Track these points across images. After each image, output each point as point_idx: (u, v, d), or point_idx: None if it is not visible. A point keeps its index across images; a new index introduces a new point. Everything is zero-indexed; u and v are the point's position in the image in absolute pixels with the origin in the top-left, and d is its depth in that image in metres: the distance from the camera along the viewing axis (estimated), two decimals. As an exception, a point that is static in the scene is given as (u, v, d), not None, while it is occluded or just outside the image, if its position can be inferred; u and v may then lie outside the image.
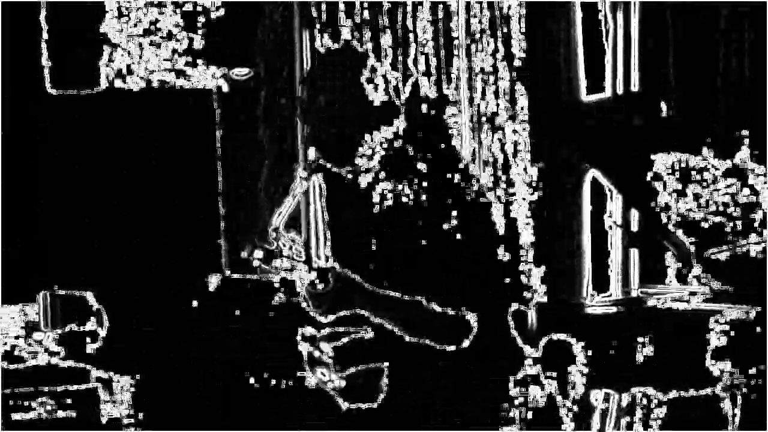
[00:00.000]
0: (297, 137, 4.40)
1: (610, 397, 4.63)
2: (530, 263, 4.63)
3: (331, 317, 3.39)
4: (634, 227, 4.71)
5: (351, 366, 3.34)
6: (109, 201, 4.53)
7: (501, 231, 4.64)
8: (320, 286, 3.29)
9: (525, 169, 4.66)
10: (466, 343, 3.22)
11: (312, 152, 3.46)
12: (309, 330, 3.63)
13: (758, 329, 4.50)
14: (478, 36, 4.65)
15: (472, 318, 3.21)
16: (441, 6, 4.64)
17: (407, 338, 3.25)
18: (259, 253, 3.33)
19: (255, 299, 4.32)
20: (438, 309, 3.20)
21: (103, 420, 4.53)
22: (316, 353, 3.33)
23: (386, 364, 3.30)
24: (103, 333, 4.51)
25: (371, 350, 3.33)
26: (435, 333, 3.23)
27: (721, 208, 4.53)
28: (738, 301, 4.52)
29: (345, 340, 3.39)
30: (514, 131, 4.66)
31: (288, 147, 4.61)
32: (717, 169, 4.54)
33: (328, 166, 3.42)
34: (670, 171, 4.58)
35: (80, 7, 4.49)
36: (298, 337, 3.51)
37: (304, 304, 3.39)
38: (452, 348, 3.21)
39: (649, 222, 4.65)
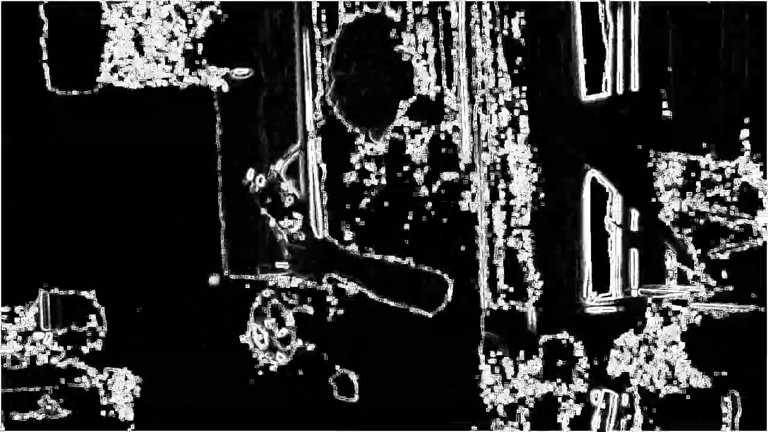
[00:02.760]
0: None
1: (610, 397, 4.63)
2: (530, 262, 4.64)
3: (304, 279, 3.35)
4: (634, 227, 4.71)
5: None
6: (108, 201, 4.53)
7: (501, 233, 4.64)
8: (300, 237, 3.23)
9: (525, 166, 4.66)
10: (442, 306, 3.18)
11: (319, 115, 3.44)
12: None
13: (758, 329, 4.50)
14: (477, 35, 4.65)
15: (447, 278, 3.18)
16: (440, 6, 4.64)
17: (389, 303, 3.21)
18: (261, 181, 3.26)
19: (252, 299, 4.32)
20: (424, 268, 3.16)
21: (103, 420, 4.53)
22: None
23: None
24: (102, 333, 4.51)
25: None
26: (415, 297, 3.19)
27: (721, 208, 4.53)
28: (738, 301, 4.52)
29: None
30: (514, 128, 4.66)
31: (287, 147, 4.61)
32: (717, 168, 4.54)
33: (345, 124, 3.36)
34: (669, 171, 4.58)
35: (80, 6, 4.49)
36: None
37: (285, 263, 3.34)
38: (430, 313, 3.17)
39: (648, 222, 4.65)
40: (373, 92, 3.26)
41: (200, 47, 4.58)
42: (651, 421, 4.59)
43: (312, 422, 3.85)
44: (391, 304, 3.18)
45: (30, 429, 4.47)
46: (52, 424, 4.49)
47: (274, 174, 3.29)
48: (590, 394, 4.61)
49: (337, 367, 3.36)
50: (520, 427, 4.58)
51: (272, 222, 3.27)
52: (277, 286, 3.46)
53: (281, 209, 3.23)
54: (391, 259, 3.18)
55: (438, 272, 3.15)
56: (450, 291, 3.16)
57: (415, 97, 3.27)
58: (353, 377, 3.28)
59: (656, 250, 4.68)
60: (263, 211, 3.26)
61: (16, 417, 4.46)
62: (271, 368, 3.49)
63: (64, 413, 4.49)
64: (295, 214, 3.24)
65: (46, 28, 4.46)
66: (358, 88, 3.26)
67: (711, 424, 4.53)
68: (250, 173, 3.26)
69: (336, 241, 3.26)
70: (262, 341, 3.43)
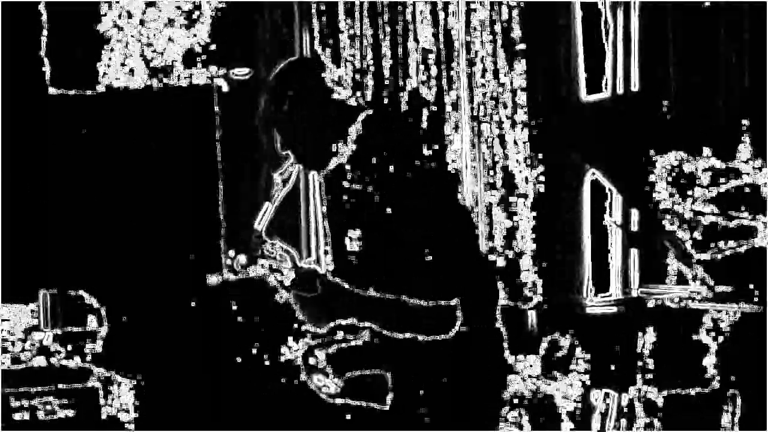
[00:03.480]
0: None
1: (610, 397, 4.62)
2: (529, 263, 4.64)
3: (324, 327, 3.37)
4: (634, 227, 4.71)
5: (348, 371, 3.33)
6: (108, 201, 4.53)
7: (501, 235, 4.64)
8: (306, 293, 3.26)
9: (525, 166, 4.66)
10: (452, 332, 3.19)
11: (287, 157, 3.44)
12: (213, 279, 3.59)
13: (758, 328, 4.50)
14: (477, 35, 4.65)
15: (456, 304, 3.18)
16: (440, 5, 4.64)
17: (397, 336, 3.22)
18: (242, 259, 3.31)
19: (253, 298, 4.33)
20: (423, 303, 3.17)
21: (103, 420, 4.53)
22: (311, 360, 3.31)
23: (387, 372, 3.28)
24: (102, 332, 4.51)
25: (368, 354, 3.31)
26: (422, 327, 3.20)
27: (721, 208, 4.53)
28: (739, 301, 4.52)
29: (337, 346, 3.37)
30: (513, 127, 4.66)
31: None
32: (717, 168, 4.54)
33: (299, 168, 3.41)
34: (669, 171, 4.58)
35: (80, 6, 4.49)
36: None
37: (298, 314, 3.37)
38: (441, 337, 3.18)
39: (648, 222, 4.65)
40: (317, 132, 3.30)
41: (200, 47, 4.58)
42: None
43: (312, 422, 3.85)
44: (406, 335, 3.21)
45: (30, 429, 4.47)
46: (52, 424, 4.49)
47: (256, 239, 3.34)
48: (590, 394, 4.61)
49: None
50: (520, 427, 4.58)
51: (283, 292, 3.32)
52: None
53: (277, 265, 3.26)
54: (391, 296, 3.20)
55: (441, 303, 3.17)
56: (458, 313, 3.18)
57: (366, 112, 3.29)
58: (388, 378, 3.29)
59: (656, 250, 4.68)
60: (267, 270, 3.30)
61: (16, 417, 4.47)
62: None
63: (64, 414, 4.49)
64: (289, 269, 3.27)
65: (46, 28, 4.46)
66: (297, 136, 3.31)
67: (711, 424, 4.53)
68: (230, 254, 3.34)
69: (339, 281, 3.28)
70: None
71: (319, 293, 3.24)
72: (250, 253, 3.36)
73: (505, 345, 3.34)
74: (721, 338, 4.52)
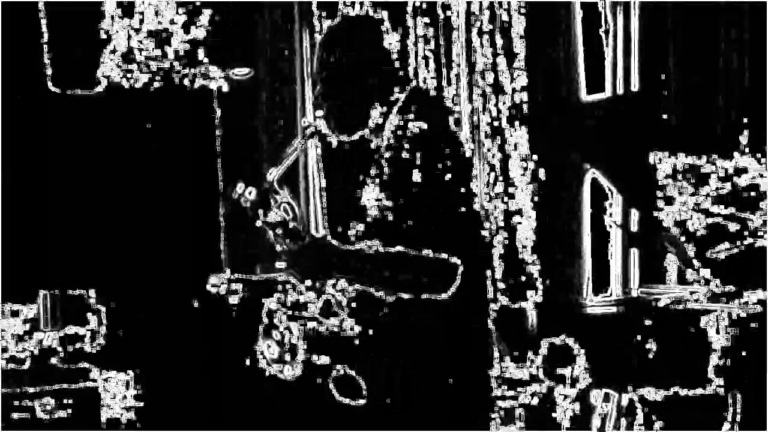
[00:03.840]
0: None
1: (610, 397, 4.62)
2: (530, 263, 4.64)
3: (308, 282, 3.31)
4: (634, 227, 4.71)
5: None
6: (108, 201, 4.53)
7: (501, 235, 4.65)
8: (292, 244, 3.19)
9: (524, 169, 4.66)
10: (452, 289, 3.15)
11: (312, 116, 3.40)
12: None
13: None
14: (477, 35, 4.65)
15: (457, 261, 3.15)
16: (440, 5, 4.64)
17: (390, 298, 3.19)
18: (252, 193, 3.20)
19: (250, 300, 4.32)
20: (429, 253, 3.13)
21: (103, 420, 4.53)
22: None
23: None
24: (103, 333, 4.51)
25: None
26: (421, 284, 3.16)
27: (721, 208, 4.53)
28: (739, 301, 4.52)
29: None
30: (513, 127, 4.66)
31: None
32: (717, 168, 4.54)
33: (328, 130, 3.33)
34: (669, 171, 4.58)
35: (80, 6, 4.49)
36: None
37: (282, 264, 3.30)
38: (442, 296, 3.14)
39: (648, 222, 4.65)
40: (358, 93, 3.23)
41: (200, 47, 4.58)
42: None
43: (312, 422, 3.85)
44: (402, 296, 3.15)
45: (30, 429, 4.48)
46: (52, 424, 4.49)
47: (268, 184, 3.26)
48: (590, 394, 4.61)
49: (339, 368, 3.34)
50: (520, 427, 4.58)
51: (268, 232, 3.24)
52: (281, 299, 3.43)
53: (277, 222, 3.20)
54: (392, 250, 3.15)
55: (445, 256, 3.12)
56: (460, 272, 3.14)
57: (406, 90, 3.25)
58: (358, 380, 3.27)
59: (656, 251, 4.68)
60: (258, 223, 3.23)
61: (16, 417, 4.47)
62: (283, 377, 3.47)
63: (64, 413, 4.49)
64: (290, 222, 3.21)
65: (46, 28, 4.47)
66: (341, 90, 3.23)
67: (711, 424, 4.53)
68: (239, 186, 3.23)
69: (332, 240, 3.23)
70: (273, 354, 3.40)
71: (307, 244, 3.17)
72: (261, 190, 3.25)
73: (495, 349, 3.33)
74: (721, 338, 4.52)
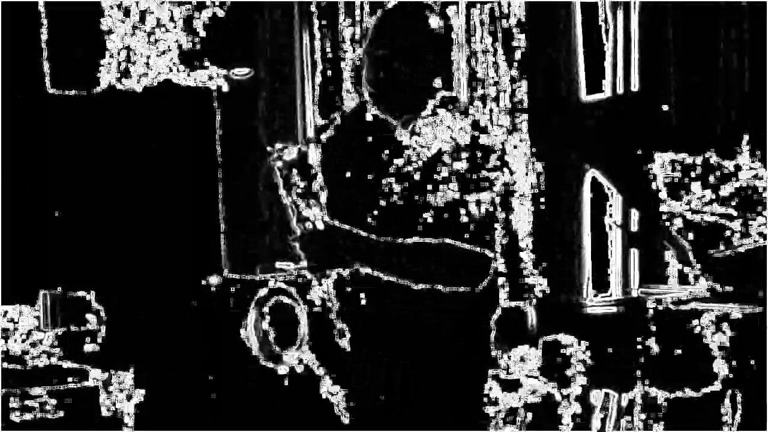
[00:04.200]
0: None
1: (610, 397, 4.62)
2: (530, 263, 4.64)
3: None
4: (634, 227, 4.70)
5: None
6: (108, 201, 4.53)
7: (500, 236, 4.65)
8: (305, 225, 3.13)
9: (525, 168, 4.66)
10: (484, 283, 3.11)
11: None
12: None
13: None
14: (477, 35, 4.65)
15: (491, 255, 3.10)
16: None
17: (417, 286, 3.12)
18: (293, 151, 3.15)
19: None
20: (460, 245, 3.07)
21: (103, 419, 4.53)
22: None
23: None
24: (102, 333, 4.51)
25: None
26: (449, 277, 3.10)
27: (721, 209, 4.53)
28: (739, 301, 4.52)
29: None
30: (513, 128, 4.66)
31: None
32: (717, 169, 4.53)
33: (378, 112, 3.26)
34: (669, 171, 4.58)
35: (80, 6, 4.49)
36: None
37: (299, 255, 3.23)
38: (469, 289, 3.10)
39: (648, 222, 4.64)
40: (408, 76, 3.20)
41: (200, 47, 4.58)
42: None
43: (311, 422, 3.85)
44: (423, 287, 3.11)
45: (30, 429, 4.47)
46: (52, 424, 4.49)
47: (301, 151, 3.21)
48: (590, 394, 4.61)
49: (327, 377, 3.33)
50: (520, 427, 4.58)
51: (288, 200, 3.17)
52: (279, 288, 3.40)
53: (304, 188, 3.14)
54: (427, 241, 3.10)
55: (478, 249, 3.09)
56: (493, 265, 3.12)
57: (446, 94, 3.23)
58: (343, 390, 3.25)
59: (656, 250, 4.68)
60: (281, 189, 3.18)
61: (15, 416, 4.46)
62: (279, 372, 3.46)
63: (63, 414, 4.49)
64: (313, 202, 3.16)
65: (46, 28, 4.46)
66: (393, 69, 3.18)
67: (711, 424, 4.53)
68: (277, 144, 3.18)
69: (355, 229, 3.18)
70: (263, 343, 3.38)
71: (317, 230, 3.12)
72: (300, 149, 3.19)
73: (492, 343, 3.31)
74: (721, 338, 4.51)
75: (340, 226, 3.12)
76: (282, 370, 3.38)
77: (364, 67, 3.21)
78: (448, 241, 3.06)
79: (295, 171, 3.13)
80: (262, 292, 3.36)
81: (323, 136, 3.35)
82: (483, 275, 3.08)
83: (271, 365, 3.34)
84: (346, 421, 3.27)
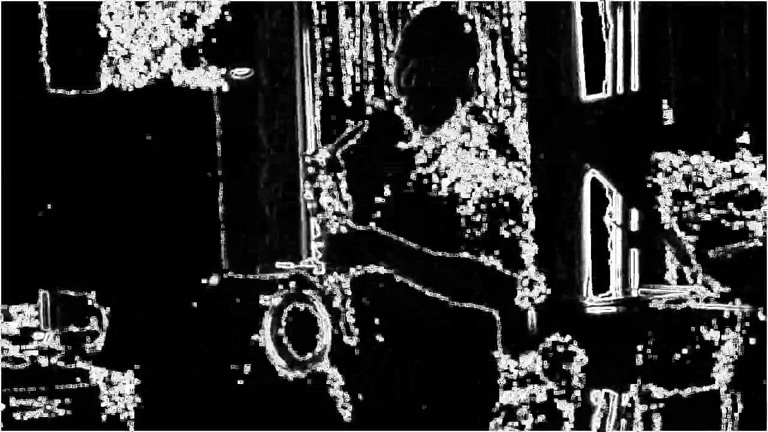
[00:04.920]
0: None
1: (610, 397, 4.62)
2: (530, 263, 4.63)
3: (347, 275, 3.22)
4: (634, 227, 4.71)
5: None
6: (108, 201, 4.53)
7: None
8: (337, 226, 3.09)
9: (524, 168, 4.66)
10: (516, 300, 3.10)
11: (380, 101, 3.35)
12: None
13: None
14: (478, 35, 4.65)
15: (520, 277, 3.09)
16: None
17: (451, 303, 3.11)
18: (325, 154, 3.13)
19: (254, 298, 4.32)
20: (488, 262, 3.06)
21: (104, 419, 4.53)
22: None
23: None
24: (103, 333, 4.51)
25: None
26: (480, 295, 3.09)
27: (721, 209, 4.53)
28: (738, 301, 4.52)
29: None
30: (513, 127, 4.66)
31: (288, 145, 4.62)
32: (717, 169, 4.54)
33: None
34: (669, 171, 4.58)
35: (80, 6, 4.49)
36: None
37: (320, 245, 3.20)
38: (498, 309, 3.09)
39: (648, 222, 4.65)
40: (439, 83, 3.19)
41: (200, 47, 4.58)
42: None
43: (312, 422, 3.85)
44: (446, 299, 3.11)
45: (30, 429, 4.47)
46: (52, 424, 4.49)
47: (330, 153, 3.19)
48: (590, 394, 4.61)
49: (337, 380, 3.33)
50: (520, 427, 4.58)
51: (317, 202, 3.16)
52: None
53: (336, 189, 3.13)
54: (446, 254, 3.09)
55: (501, 269, 3.08)
56: (519, 287, 3.11)
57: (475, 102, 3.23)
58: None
59: (656, 250, 4.68)
60: (307, 189, 3.16)
61: (16, 417, 4.46)
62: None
63: (63, 413, 4.49)
64: (347, 200, 3.15)
65: (46, 28, 4.46)
66: (425, 75, 3.17)
67: (711, 424, 4.53)
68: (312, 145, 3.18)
69: (382, 231, 3.15)
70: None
71: (345, 230, 3.08)
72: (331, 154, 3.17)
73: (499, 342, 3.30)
74: (721, 338, 4.52)
75: (376, 230, 3.11)
76: (302, 375, 3.36)
77: (393, 73, 3.21)
78: (472, 257, 3.04)
79: (323, 174, 3.13)
80: (277, 300, 3.34)
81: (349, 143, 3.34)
82: (509, 296, 3.07)
83: (291, 375, 3.32)
84: (346, 417, 3.27)
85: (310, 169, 3.12)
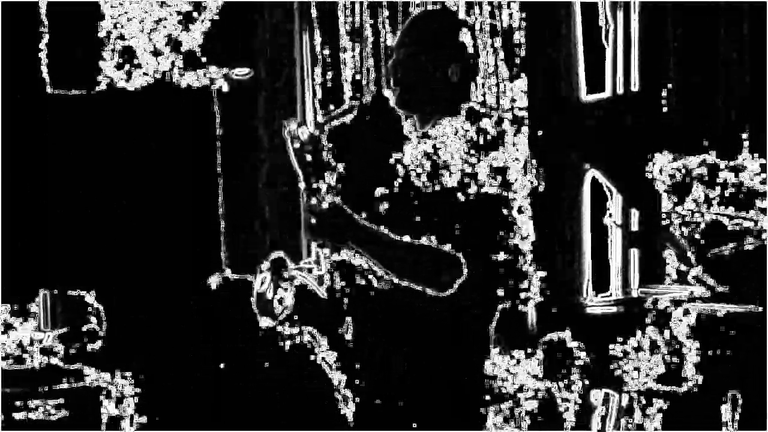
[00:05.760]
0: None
1: (610, 397, 4.63)
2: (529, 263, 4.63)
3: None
4: (634, 227, 4.71)
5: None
6: (108, 201, 4.53)
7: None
8: (319, 201, 3.12)
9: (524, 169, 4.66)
10: (455, 287, 3.12)
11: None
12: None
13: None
14: (478, 35, 4.65)
15: (462, 258, 3.11)
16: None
17: (395, 281, 3.16)
18: (304, 134, 3.15)
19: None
20: (433, 243, 3.09)
21: (103, 420, 4.53)
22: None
23: None
24: (102, 333, 4.51)
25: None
26: (424, 276, 3.12)
27: (721, 208, 4.53)
28: (738, 301, 4.52)
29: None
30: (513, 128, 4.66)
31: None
32: (717, 169, 4.54)
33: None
34: (669, 171, 4.58)
35: (80, 6, 4.49)
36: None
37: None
38: (441, 294, 3.11)
39: (648, 222, 4.65)
40: (433, 78, 3.21)
41: (200, 47, 4.58)
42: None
43: (313, 422, 3.85)
44: (401, 282, 3.13)
45: (30, 429, 4.47)
46: (52, 425, 4.49)
47: (315, 133, 3.21)
48: (590, 394, 4.61)
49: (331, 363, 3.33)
50: (520, 426, 4.58)
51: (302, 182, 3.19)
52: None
53: (318, 165, 3.14)
54: (406, 238, 3.12)
55: (453, 252, 3.10)
56: (464, 272, 3.11)
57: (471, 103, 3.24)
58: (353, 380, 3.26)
59: (656, 250, 4.68)
60: (295, 165, 3.18)
61: (17, 417, 4.47)
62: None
63: (63, 413, 4.49)
64: (327, 178, 3.17)
65: (46, 28, 4.47)
66: (417, 70, 3.19)
67: (711, 423, 4.53)
68: (290, 125, 3.17)
69: (349, 211, 3.19)
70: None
71: (335, 209, 3.10)
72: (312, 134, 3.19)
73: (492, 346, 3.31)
74: (720, 338, 4.52)
75: (341, 205, 3.13)
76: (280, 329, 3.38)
77: (390, 68, 3.22)
78: (424, 241, 3.07)
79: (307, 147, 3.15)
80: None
81: (338, 121, 3.36)
82: (451, 282, 3.08)
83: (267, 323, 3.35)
84: (346, 413, 3.27)
85: (296, 144, 3.14)
